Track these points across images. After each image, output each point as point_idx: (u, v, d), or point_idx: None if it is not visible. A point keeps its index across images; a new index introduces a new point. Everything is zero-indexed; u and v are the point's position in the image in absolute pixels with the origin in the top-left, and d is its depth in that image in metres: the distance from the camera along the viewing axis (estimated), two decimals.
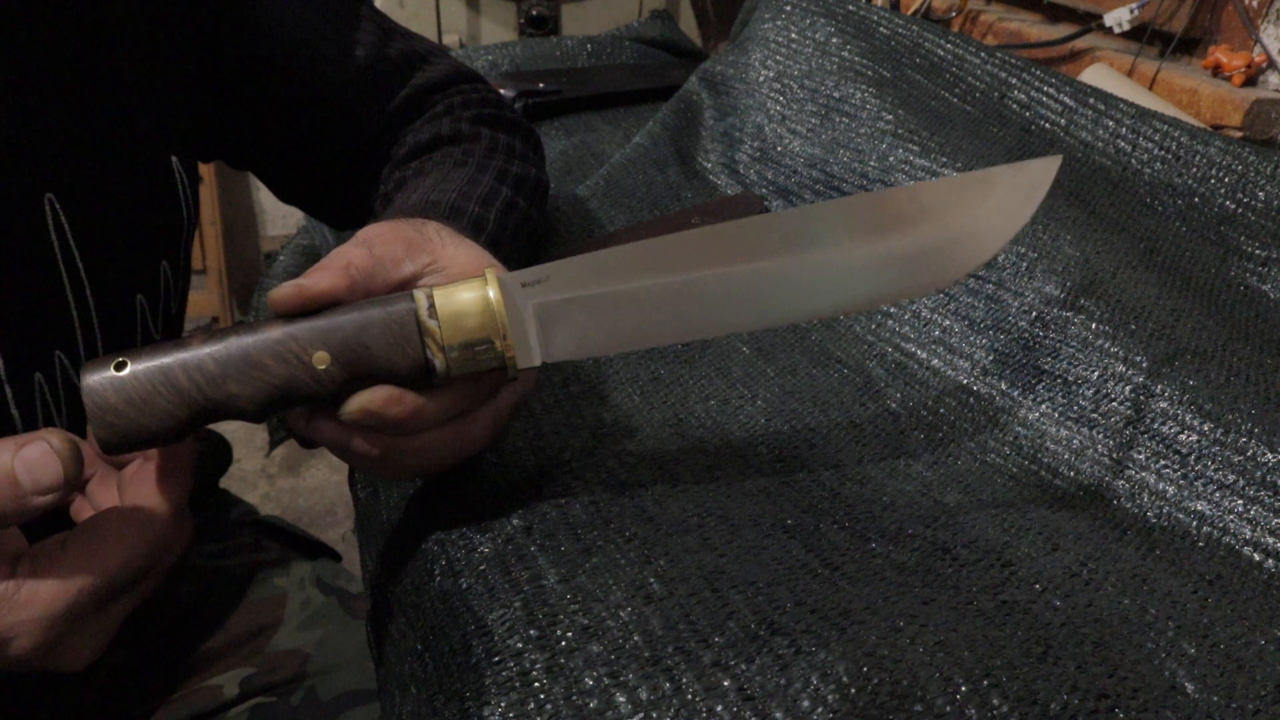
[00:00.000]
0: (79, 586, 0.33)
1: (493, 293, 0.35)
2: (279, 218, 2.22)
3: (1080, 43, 0.89)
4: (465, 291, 0.35)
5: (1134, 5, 0.84)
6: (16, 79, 0.42)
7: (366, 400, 0.34)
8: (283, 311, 0.34)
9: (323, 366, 0.33)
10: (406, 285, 0.38)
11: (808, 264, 0.37)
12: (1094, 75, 0.82)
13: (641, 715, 0.31)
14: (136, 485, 0.36)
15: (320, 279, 0.34)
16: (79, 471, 0.32)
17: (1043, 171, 0.39)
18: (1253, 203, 0.62)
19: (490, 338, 0.34)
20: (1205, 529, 0.43)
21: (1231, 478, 0.44)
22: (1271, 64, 0.77)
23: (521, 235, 0.54)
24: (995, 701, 0.31)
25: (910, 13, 0.92)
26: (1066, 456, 0.48)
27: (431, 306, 0.34)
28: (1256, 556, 0.42)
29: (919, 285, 0.38)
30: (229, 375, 0.33)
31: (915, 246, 0.38)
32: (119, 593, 0.35)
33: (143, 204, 0.49)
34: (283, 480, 1.76)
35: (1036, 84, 0.71)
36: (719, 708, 0.30)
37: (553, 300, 0.36)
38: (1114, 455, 0.47)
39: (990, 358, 0.54)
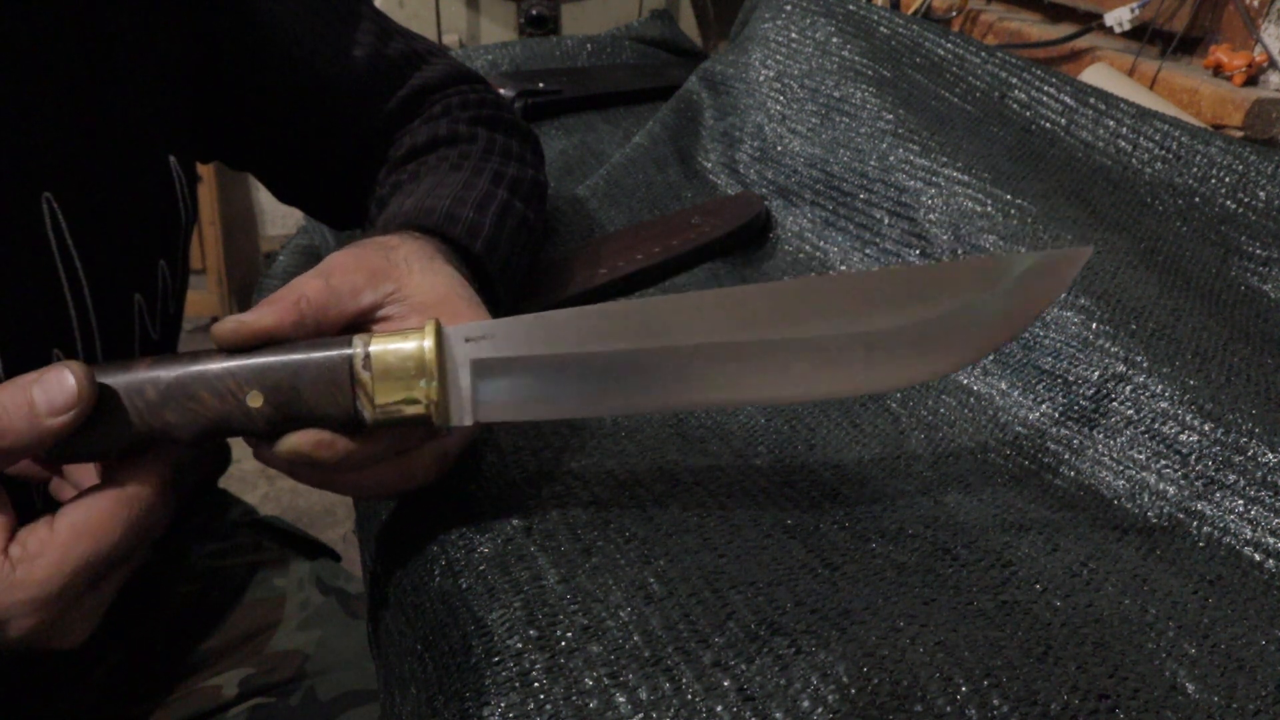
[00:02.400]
0: (73, 566, 0.33)
1: (428, 346, 0.35)
2: (279, 218, 2.22)
3: (1081, 42, 0.89)
4: (402, 343, 0.35)
5: (1134, 5, 0.84)
6: (15, 78, 0.42)
7: (296, 443, 0.35)
8: (223, 347, 0.35)
9: (255, 405, 0.34)
10: (366, 315, 0.39)
11: (771, 346, 0.35)
12: (1094, 75, 0.82)
13: (641, 715, 0.31)
14: (120, 462, 0.36)
15: (261, 316, 0.35)
16: (93, 391, 0.33)
17: (1069, 261, 0.37)
18: (1253, 202, 0.62)
19: (418, 396, 0.34)
20: (1206, 529, 0.43)
21: (1232, 478, 0.44)
22: (1272, 63, 0.77)
23: (520, 238, 0.54)
24: (995, 701, 0.31)
25: (910, 12, 0.92)
26: (1067, 456, 0.48)
27: (367, 358, 0.34)
28: (1257, 557, 0.42)
29: (907, 375, 0.36)
30: (166, 404, 0.34)
31: (907, 331, 0.35)
32: (111, 570, 0.35)
33: (140, 203, 0.49)
34: (282, 480, 1.76)
35: (1037, 84, 0.71)
36: (719, 708, 0.30)
37: (492, 358, 0.35)
38: (1114, 455, 0.47)
39: (990, 358, 0.54)
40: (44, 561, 0.33)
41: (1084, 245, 0.37)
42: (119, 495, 0.34)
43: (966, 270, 0.37)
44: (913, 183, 0.63)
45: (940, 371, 0.37)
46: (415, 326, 0.36)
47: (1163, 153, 0.65)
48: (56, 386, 0.33)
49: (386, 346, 0.35)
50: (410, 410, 0.35)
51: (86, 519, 0.34)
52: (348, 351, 0.34)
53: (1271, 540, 0.42)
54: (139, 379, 0.34)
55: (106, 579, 0.35)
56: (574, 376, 0.35)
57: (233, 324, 0.35)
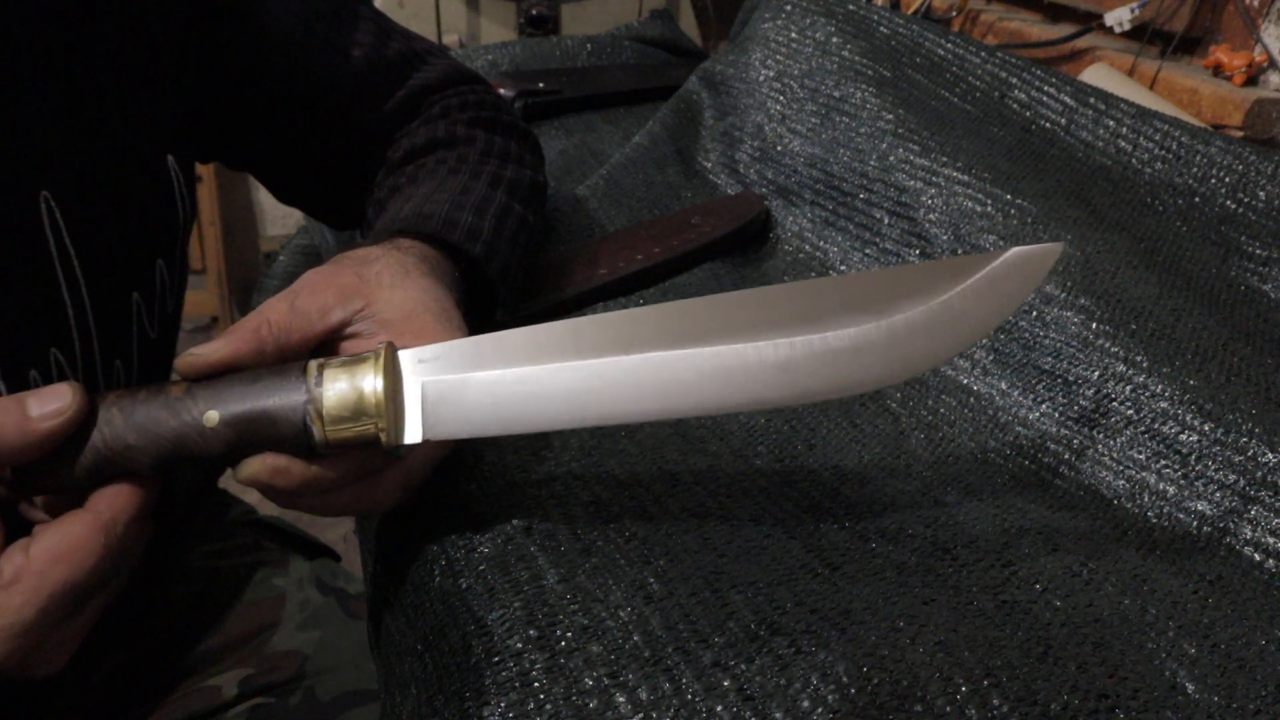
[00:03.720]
0: (49, 592, 0.33)
1: (378, 368, 0.36)
2: (279, 218, 2.22)
3: (1081, 42, 0.89)
4: (355, 367, 0.36)
5: (1134, 5, 0.84)
6: (13, 77, 0.42)
7: (254, 470, 0.35)
8: (184, 377, 0.36)
9: (211, 425, 0.35)
10: (335, 333, 0.40)
11: (718, 355, 0.35)
12: (1094, 75, 0.82)
13: (641, 715, 0.31)
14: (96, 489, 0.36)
15: (217, 348, 0.36)
16: (83, 403, 0.34)
17: (1040, 259, 0.36)
18: (1253, 202, 0.62)
19: (366, 414, 0.35)
20: (1206, 529, 0.43)
21: (1232, 478, 0.44)
22: (1272, 63, 0.77)
23: (520, 240, 0.54)
24: (995, 701, 0.31)
25: (910, 12, 0.92)
26: (1066, 456, 0.48)
27: (320, 378, 0.35)
28: (1257, 556, 0.42)
29: (861, 380, 0.35)
30: (130, 428, 0.35)
31: (851, 338, 0.35)
32: (88, 596, 0.34)
33: (138, 203, 0.49)
34: None
35: (1037, 84, 0.71)
36: (719, 708, 0.30)
37: (443, 379, 0.36)
38: (1114, 455, 0.47)
39: (990, 357, 0.54)
40: (20, 588, 0.32)
41: (1056, 242, 0.37)
42: (95, 520, 0.34)
43: (934, 271, 0.37)
44: (913, 183, 0.63)
45: (913, 373, 0.36)
46: (371, 349, 0.37)
47: (1163, 153, 0.65)
48: (50, 394, 0.34)
49: (337, 370, 0.36)
50: (359, 430, 0.35)
51: (62, 544, 0.33)
52: (300, 375, 0.36)
53: (1271, 540, 0.42)
54: (107, 404, 0.35)
55: (84, 606, 0.35)
56: (523, 394, 0.36)
57: (188, 357, 0.36)
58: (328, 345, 0.40)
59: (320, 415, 0.35)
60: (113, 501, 0.35)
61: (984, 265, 0.36)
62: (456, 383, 0.36)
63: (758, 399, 0.35)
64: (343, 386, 0.35)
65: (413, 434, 0.36)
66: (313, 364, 0.36)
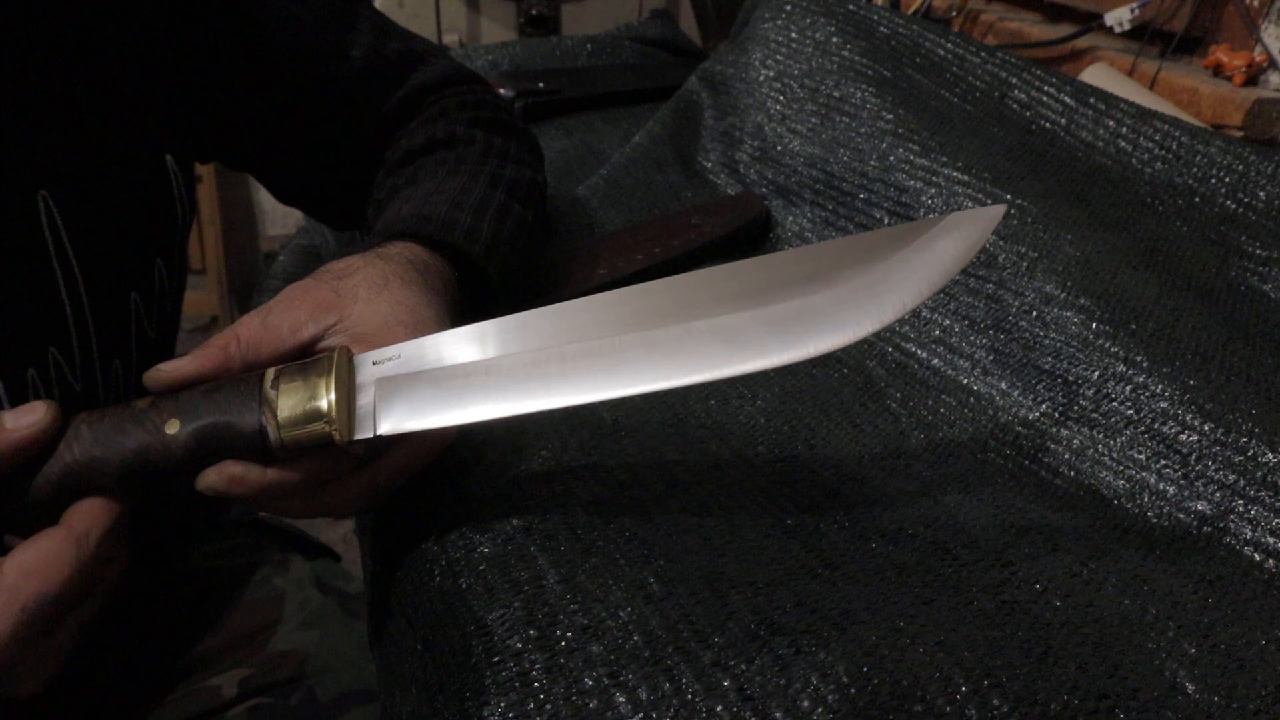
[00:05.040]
0: (21, 606, 0.33)
1: (331, 373, 0.37)
2: (279, 218, 2.22)
3: (1081, 42, 0.89)
4: (308, 371, 0.37)
5: (1134, 5, 0.84)
6: (12, 77, 0.42)
7: (212, 480, 0.36)
8: (151, 391, 0.38)
9: (172, 431, 0.36)
10: (308, 347, 0.41)
11: (659, 337, 0.36)
12: (1094, 75, 0.82)
13: (641, 715, 0.31)
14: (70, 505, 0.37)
15: (183, 364, 0.38)
16: (56, 416, 0.35)
17: (983, 220, 0.38)
18: (1253, 203, 0.62)
19: (319, 415, 0.36)
20: (1206, 529, 0.43)
21: (1232, 478, 0.44)
22: (1272, 63, 0.77)
23: (519, 240, 0.54)
24: (995, 701, 0.31)
25: (910, 12, 0.92)
26: (1066, 456, 0.48)
27: (275, 384, 0.37)
28: (1257, 557, 0.42)
29: (809, 346, 0.36)
30: (96, 440, 0.36)
31: (797, 308, 0.36)
32: (65, 614, 0.34)
33: (137, 202, 0.49)
34: None
35: (1037, 84, 0.71)
36: (719, 708, 0.30)
37: (394, 375, 0.38)
38: (1114, 455, 0.47)
39: (990, 357, 0.54)
40: None
41: (999, 205, 0.39)
42: (68, 534, 0.34)
43: (879, 238, 0.38)
44: (913, 182, 0.63)
45: (861, 335, 0.37)
46: (322, 356, 0.38)
47: (1163, 153, 0.65)
48: (25, 409, 0.35)
49: (293, 374, 0.37)
50: (312, 431, 0.36)
51: (34, 558, 0.33)
52: (257, 383, 0.37)
53: (1271, 540, 0.42)
54: (77, 421, 0.36)
55: (60, 622, 0.35)
56: (471, 384, 0.37)
57: (152, 373, 0.37)
58: (297, 356, 0.41)
59: (275, 417, 0.36)
60: (85, 515, 0.35)
61: (926, 230, 0.38)
62: (408, 378, 0.37)
63: (712, 372, 0.36)
64: (297, 390, 0.36)
65: (364, 429, 0.37)
66: (269, 371, 0.37)
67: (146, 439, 0.36)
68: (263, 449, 0.36)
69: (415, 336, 0.41)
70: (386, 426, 0.37)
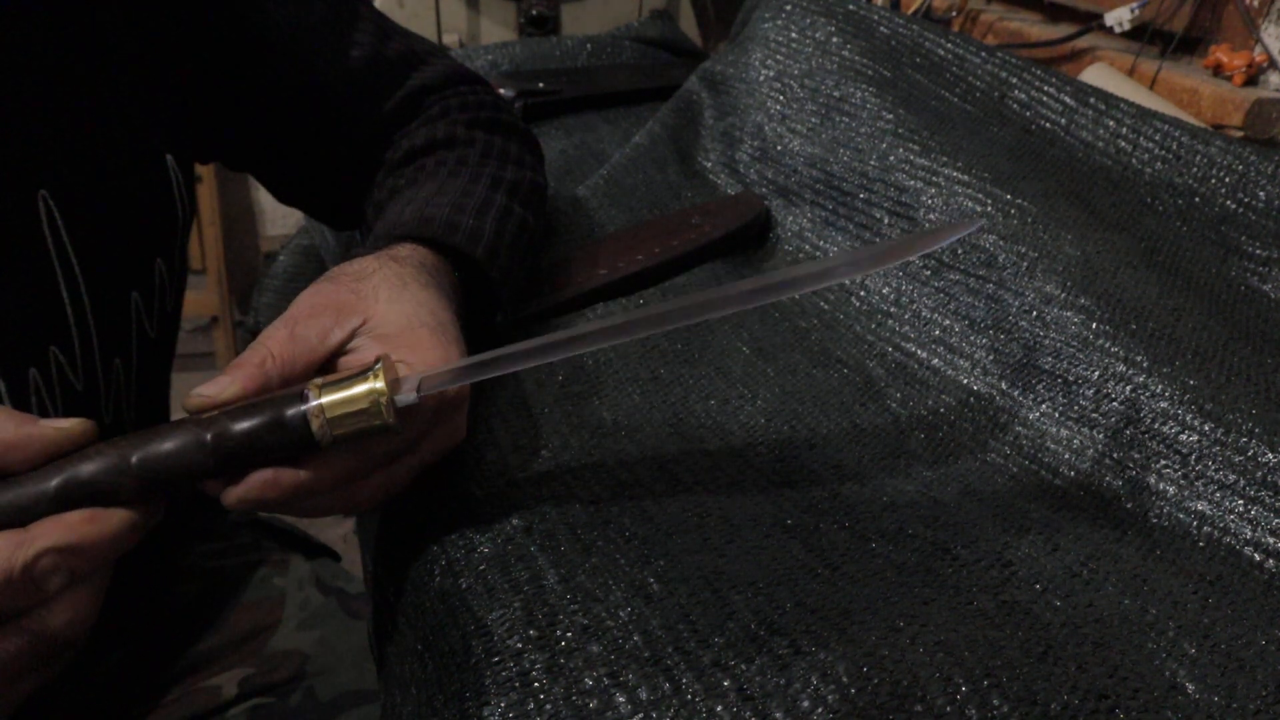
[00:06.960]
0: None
1: (377, 379, 0.36)
2: (279, 218, 2.22)
3: (1081, 42, 0.89)
4: (353, 388, 0.36)
5: (1134, 5, 0.84)
6: (12, 76, 0.42)
7: (243, 493, 0.36)
8: (194, 414, 0.37)
9: (210, 439, 0.35)
10: (337, 352, 0.40)
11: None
12: (1094, 75, 0.82)
13: (641, 715, 0.31)
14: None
15: (224, 388, 0.37)
16: (90, 427, 0.35)
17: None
18: (1253, 202, 0.62)
19: (368, 392, 0.36)
20: (1206, 529, 0.43)
21: (1232, 478, 0.44)
22: (1272, 63, 0.77)
23: (520, 241, 0.54)
24: (995, 701, 0.31)
25: (910, 12, 0.92)
26: (1066, 456, 0.48)
27: (321, 390, 0.36)
28: (1257, 557, 0.42)
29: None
30: (130, 443, 0.35)
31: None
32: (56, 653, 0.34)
33: (137, 202, 0.49)
34: None
35: (1037, 84, 0.71)
36: (719, 708, 0.30)
37: (437, 371, 0.38)
38: (1114, 455, 0.47)
39: (990, 357, 0.54)
40: None
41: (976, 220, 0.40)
42: (13, 535, 0.33)
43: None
44: (913, 182, 0.63)
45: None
46: (367, 366, 0.37)
47: (1163, 153, 0.65)
48: (67, 419, 0.35)
49: (337, 395, 0.36)
50: (359, 410, 0.36)
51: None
52: (301, 405, 0.36)
53: (1271, 540, 0.42)
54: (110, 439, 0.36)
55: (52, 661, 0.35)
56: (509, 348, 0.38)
57: (197, 398, 0.37)
58: (328, 366, 0.41)
59: (322, 410, 0.35)
60: (56, 525, 0.34)
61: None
62: (448, 371, 0.38)
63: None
64: (342, 388, 0.36)
65: (408, 396, 0.37)
66: (312, 385, 0.37)
67: (186, 438, 0.35)
68: (305, 444, 0.36)
69: (438, 337, 0.41)
70: (426, 387, 0.37)
